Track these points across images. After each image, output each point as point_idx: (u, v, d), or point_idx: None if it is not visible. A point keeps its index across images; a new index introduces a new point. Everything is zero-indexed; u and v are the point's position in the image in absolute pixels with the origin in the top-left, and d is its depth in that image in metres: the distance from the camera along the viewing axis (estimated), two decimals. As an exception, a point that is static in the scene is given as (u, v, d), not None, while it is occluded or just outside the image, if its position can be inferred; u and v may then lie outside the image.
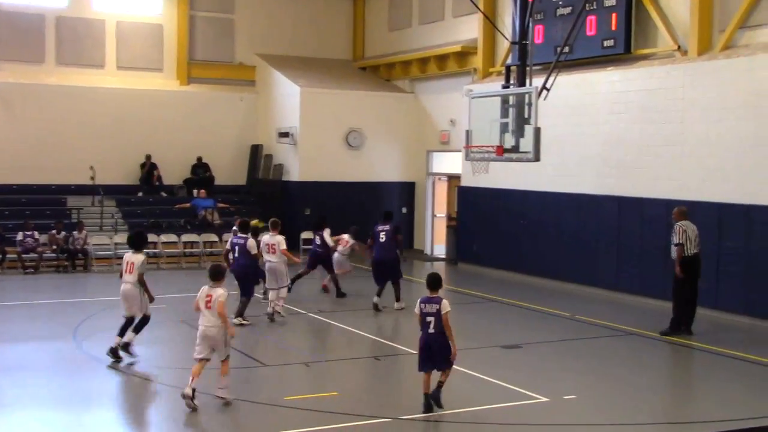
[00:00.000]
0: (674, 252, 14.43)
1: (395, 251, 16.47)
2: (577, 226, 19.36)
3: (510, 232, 21.20)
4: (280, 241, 15.26)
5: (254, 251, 14.68)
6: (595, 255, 18.89)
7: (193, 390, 9.93)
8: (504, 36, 18.93)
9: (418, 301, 10.06)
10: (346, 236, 18.19)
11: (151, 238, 22.27)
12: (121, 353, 12.14)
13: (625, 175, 18.24)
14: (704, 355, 13.47)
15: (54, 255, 21.01)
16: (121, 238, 22.10)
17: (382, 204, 24.99)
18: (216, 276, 10.41)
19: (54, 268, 21.00)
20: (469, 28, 23.49)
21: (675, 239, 14.37)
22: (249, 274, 14.81)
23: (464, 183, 22.87)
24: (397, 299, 16.30)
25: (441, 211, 25.50)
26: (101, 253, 21.65)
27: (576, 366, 12.52)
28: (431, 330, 9.88)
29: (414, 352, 12.83)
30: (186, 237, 22.88)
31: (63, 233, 21.07)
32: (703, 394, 11.67)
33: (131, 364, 12.07)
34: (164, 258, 22.20)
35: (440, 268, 23.26)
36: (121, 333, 12.28)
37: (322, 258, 17.73)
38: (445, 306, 9.84)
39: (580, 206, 19.30)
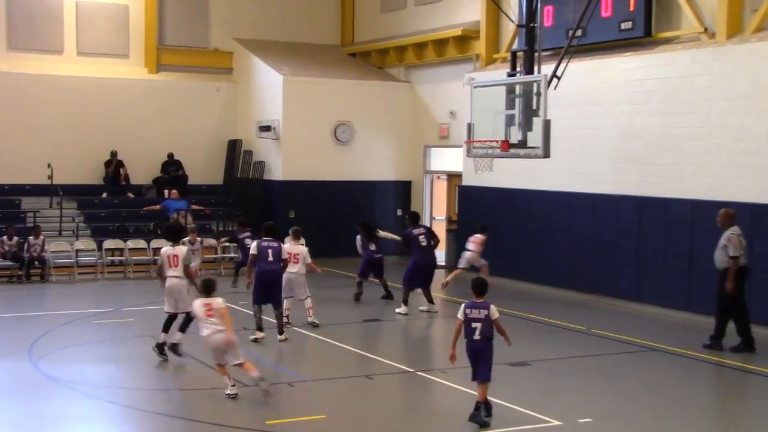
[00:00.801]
0: (726, 263, 14.33)
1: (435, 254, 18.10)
2: (591, 229, 19.40)
3: (517, 237, 21.23)
4: (304, 252, 15.61)
5: (286, 257, 15.04)
6: (613, 262, 18.93)
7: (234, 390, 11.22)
8: (510, 18, 18.98)
9: (463, 306, 10.46)
10: (479, 236, 19.39)
11: (117, 244, 22.33)
12: (168, 353, 13.14)
13: (645, 173, 18.29)
14: (735, 373, 13.52)
15: (7, 263, 20.95)
16: (83, 244, 22.18)
17: (374, 205, 25.06)
18: (210, 291, 11.51)
19: (7, 279, 20.95)
20: (471, 10, 23.55)
21: (731, 250, 14.24)
22: (280, 281, 14.94)
23: (465, 182, 22.91)
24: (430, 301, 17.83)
25: (440, 214, 25.56)
26: (60, 261, 21.60)
27: (591, 385, 12.54)
28: (476, 336, 10.33)
29: (410, 369, 12.93)
30: (156, 243, 22.78)
31: (16, 239, 21.01)
32: (734, 416, 11.71)
33: (179, 367, 12.82)
34: (131, 266, 22.17)
35: (439, 276, 23.25)
36: (166, 329, 13.21)
37: (378, 263, 18.81)
38: (494, 312, 10.35)
39: (595, 207, 19.35)
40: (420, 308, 17.63)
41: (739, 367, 13.66)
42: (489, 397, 10.47)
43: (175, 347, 13.12)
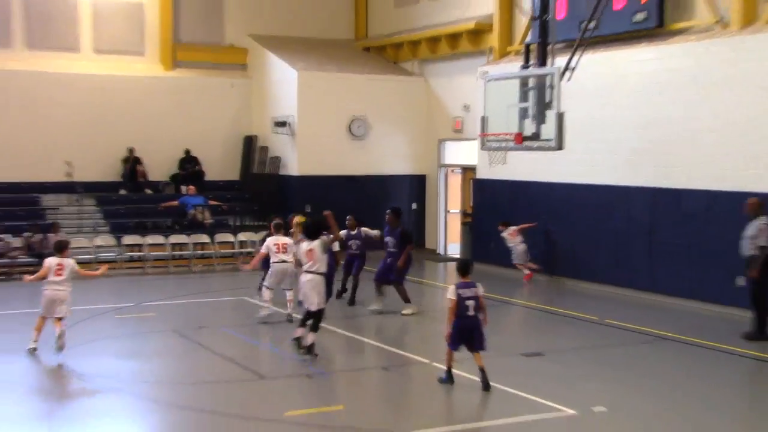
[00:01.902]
0: (754, 250, 14.41)
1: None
2: (606, 220, 19.45)
3: (531, 229, 21.30)
4: (290, 243, 15.86)
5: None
6: (627, 253, 18.99)
7: None
8: (522, 11, 19.03)
9: (454, 287, 11.40)
10: (513, 228, 20.46)
11: (135, 239, 22.51)
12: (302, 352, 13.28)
13: (660, 165, 18.31)
14: (751, 362, 13.59)
15: (28, 260, 21.15)
16: (102, 240, 22.37)
17: (389, 199, 25.13)
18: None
19: (29, 275, 21.10)
20: (484, 3, 23.55)
21: (763, 241, 14.31)
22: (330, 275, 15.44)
23: (480, 175, 22.99)
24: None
25: (455, 207, 25.63)
26: (80, 257, 21.72)
27: (606, 375, 12.63)
28: (470, 312, 11.34)
29: (426, 360, 13.07)
30: (174, 238, 23.01)
31: (37, 236, 21.19)
32: (749, 406, 11.80)
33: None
34: (150, 262, 22.37)
35: (453, 268, 23.35)
36: (303, 324, 13.44)
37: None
38: (481, 289, 11.42)
39: (609, 199, 19.39)
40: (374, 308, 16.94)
41: (756, 357, 13.72)
42: (506, 387, 10.59)
43: (310, 348, 13.28)
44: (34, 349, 13.28)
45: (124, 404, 11.27)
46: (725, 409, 11.27)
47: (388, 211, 17.32)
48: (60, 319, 13.29)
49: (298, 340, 13.43)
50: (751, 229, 14.52)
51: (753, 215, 14.61)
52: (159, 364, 13.46)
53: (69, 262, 13.47)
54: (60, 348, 13.05)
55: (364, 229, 17.73)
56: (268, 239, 15.95)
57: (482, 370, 11.42)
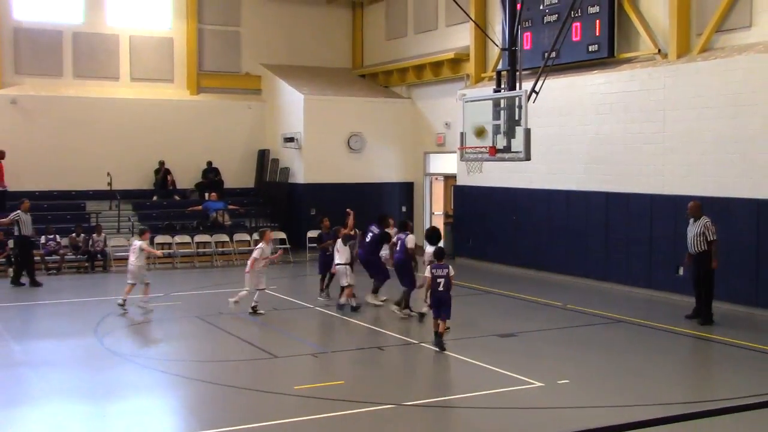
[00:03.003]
0: (703, 247, 14.10)
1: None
2: (567, 220, 19.38)
3: (503, 228, 21.22)
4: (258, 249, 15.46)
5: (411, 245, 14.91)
6: (585, 247, 18.91)
7: None
8: (494, 43, 18.89)
9: (429, 267, 12.39)
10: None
11: (166, 239, 22.36)
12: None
13: (611, 172, 18.25)
14: (689, 339, 13.50)
15: (75, 257, 21.04)
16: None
17: (383, 203, 25.03)
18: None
19: (75, 269, 21.02)
20: (462, 37, 23.51)
21: (711, 236, 14.06)
22: (406, 267, 14.98)
23: (459, 182, 22.88)
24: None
25: (438, 209, 25.51)
26: (119, 254, 21.64)
27: (568, 352, 12.52)
28: (440, 288, 12.21)
29: (415, 342, 12.94)
30: (198, 238, 22.87)
31: (83, 236, 21.09)
32: (689, 376, 11.70)
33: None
34: (178, 258, 22.22)
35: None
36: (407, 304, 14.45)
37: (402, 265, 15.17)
38: (451, 270, 12.30)
39: (569, 201, 19.32)
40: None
41: (693, 335, 13.64)
42: (483, 364, 10.45)
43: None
44: (122, 305, 15.30)
45: (154, 378, 11.18)
46: (669, 378, 11.15)
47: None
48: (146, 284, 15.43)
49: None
50: (697, 228, 14.28)
51: (695, 216, 14.41)
52: (184, 345, 13.34)
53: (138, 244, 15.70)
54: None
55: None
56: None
57: (438, 335, 12.24)
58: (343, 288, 15.54)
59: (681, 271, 16.14)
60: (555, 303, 16.40)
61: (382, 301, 15.85)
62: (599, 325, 14.49)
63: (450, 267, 12.30)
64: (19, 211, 18.70)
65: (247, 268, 15.19)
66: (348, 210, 16.42)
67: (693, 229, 14.37)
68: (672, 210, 16.59)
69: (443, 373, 11.60)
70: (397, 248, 15.10)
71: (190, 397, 10.41)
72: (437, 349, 12.17)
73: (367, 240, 15.87)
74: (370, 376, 11.53)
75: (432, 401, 9.99)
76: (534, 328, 14.21)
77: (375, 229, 15.90)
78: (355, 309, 15.26)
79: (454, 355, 11.97)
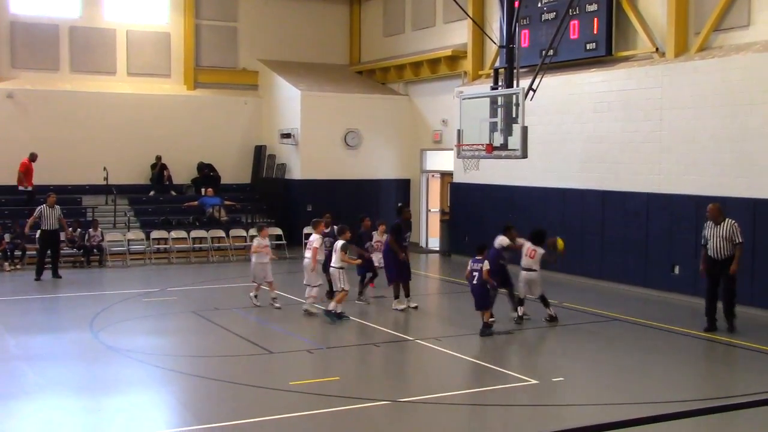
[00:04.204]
0: (730, 251, 13.27)
1: None
2: (563, 218, 19.39)
3: (500, 225, 21.09)
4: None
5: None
6: (581, 246, 18.91)
7: None
8: (492, 40, 18.91)
9: (470, 261, 13.19)
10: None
11: (162, 234, 22.36)
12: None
13: (608, 170, 18.27)
14: (684, 338, 13.53)
15: (71, 251, 21.02)
16: (134, 234, 22.22)
17: (379, 199, 25.06)
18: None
19: (71, 264, 21.01)
20: (459, 34, 23.50)
21: (739, 237, 13.23)
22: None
23: (456, 179, 22.89)
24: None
25: (435, 206, 25.52)
26: (115, 249, 21.66)
27: (563, 350, 12.56)
28: (475, 282, 12.97)
29: (410, 338, 12.96)
30: (195, 233, 22.85)
31: (79, 231, 21.07)
32: (684, 374, 11.72)
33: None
34: (174, 253, 22.22)
35: (434, 259, 23.30)
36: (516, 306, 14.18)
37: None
38: (486, 266, 12.96)
39: (565, 200, 19.33)
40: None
41: (690, 334, 13.65)
42: (479, 361, 10.48)
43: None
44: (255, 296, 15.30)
45: (149, 373, 11.19)
46: (664, 377, 11.17)
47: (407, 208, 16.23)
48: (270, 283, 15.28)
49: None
50: (723, 231, 13.36)
51: (718, 219, 13.45)
52: (180, 340, 13.35)
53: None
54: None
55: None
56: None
57: (484, 324, 13.06)
58: (332, 292, 15.10)
59: (677, 270, 16.12)
60: (551, 300, 16.31)
61: (412, 306, 15.28)
62: (594, 323, 14.51)
63: (486, 261, 13.04)
64: (42, 206, 18.83)
65: (312, 265, 14.53)
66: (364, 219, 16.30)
67: (717, 233, 13.38)
68: (668, 208, 16.63)
69: (438, 370, 11.62)
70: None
71: (185, 392, 10.41)
72: (487, 335, 12.95)
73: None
74: (366, 373, 11.55)
75: (427, 398, 10.00)
76: (529, 325, 14.20)
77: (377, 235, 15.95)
78: (340, 316, 14.15)
79: (448, 351, 11.99)
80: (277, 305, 15.15)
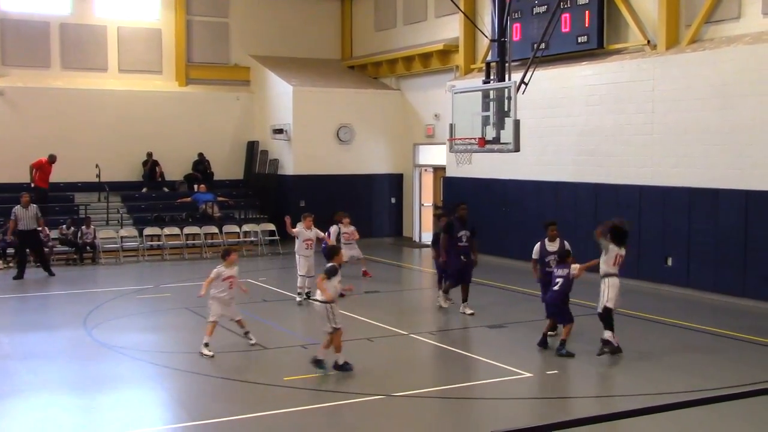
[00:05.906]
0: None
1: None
2: (556, 211, 19.36)
3: (493, 219, 21.22)
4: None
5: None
6: (573, 239, 18.85)
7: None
8: (484, 34, 18.91)
9: (555, 265, 12.13)
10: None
11: (155, 231, 22.30)
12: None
13: (600, 163, 18.29)
14: (676, 330, 13.56)
15: (64, 249, 20.95)
16: (127, 231, 22.16)
17: (372, 194, 25.03)
18: None
19: (64, 261, 20.94)
20: (451, 28, 23.48)
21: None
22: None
23: (449, 173, 22.88)
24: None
25: (428, 201, 25.52)
26: (108, 246, 21.59)
27: (557, 343, 12.52)
28: (555, 288, 11.67)
29: (404, 332, 12.95)
30: (188, 229, 22.81)
31: (72, 228, 21.00)
32: (677, 366, 11.73)
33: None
34: (168, 249, 22.16)
35: (427, 253, 23.27)
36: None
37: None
38: (573, 269, 11.70)
39: (558, 193, 19.34)
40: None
41: (682, 326, 13.67)
42: (474, 355, 10.48)
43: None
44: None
45: (143, 370, 11.16)
46: (657, 369, 11.20)
47: (463, 204, 14.93)
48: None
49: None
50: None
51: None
52: (174, 337, 13.31)
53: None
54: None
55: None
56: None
57: (561, 342, 11.57)
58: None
59: (670, 262, 16.15)
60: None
61: (469, 313, 14.41)
62: (587, 316, 14.50)
63: (573, 265, 11.77)
64: (17, 207, 18.67)
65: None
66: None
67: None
68: (661, 201, 16.65)
69: (432, 364, 11.61)
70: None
71: (180, 388, 10.39)
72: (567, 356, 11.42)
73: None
74: (360, 367, 11.53)
75: (421, 392, 10.00)
76: (523, 319, 14.23)
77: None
78: (344, 368, 10.92)
79: (443, 346, 11.98)
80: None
